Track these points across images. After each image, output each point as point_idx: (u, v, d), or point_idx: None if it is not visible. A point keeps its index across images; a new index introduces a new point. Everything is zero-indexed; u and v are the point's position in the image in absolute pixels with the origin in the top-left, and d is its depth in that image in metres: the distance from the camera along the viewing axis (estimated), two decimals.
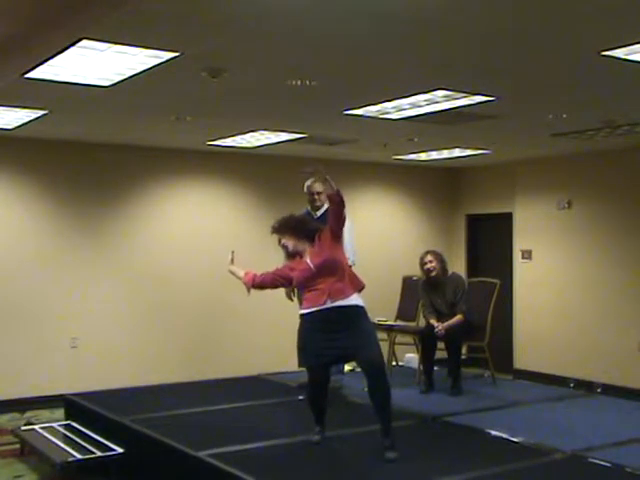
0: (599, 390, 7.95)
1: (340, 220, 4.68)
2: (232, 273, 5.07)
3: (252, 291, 4.98)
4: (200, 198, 8.66)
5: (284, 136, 7.41)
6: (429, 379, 6.79)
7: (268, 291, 5.15)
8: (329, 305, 4.60)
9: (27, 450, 5.97)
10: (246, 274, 4.96)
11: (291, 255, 4.83)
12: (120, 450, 5.34)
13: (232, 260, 5.09)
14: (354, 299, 4.66)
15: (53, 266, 7.82)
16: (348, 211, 6.06)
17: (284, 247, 4.82)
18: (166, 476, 5.00)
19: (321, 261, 4.64)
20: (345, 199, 4.61)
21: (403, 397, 6.56)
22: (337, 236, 4.73)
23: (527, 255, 9.34)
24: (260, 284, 4.94)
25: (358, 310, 4.66)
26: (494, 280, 7.34)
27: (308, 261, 4.71)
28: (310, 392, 4.96)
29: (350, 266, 6.48)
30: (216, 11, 3.68)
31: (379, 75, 4.98)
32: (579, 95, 5.62)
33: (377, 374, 4.67)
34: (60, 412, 6.84)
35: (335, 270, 4.66)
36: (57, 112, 6.20)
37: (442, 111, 5.96)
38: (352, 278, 4.78)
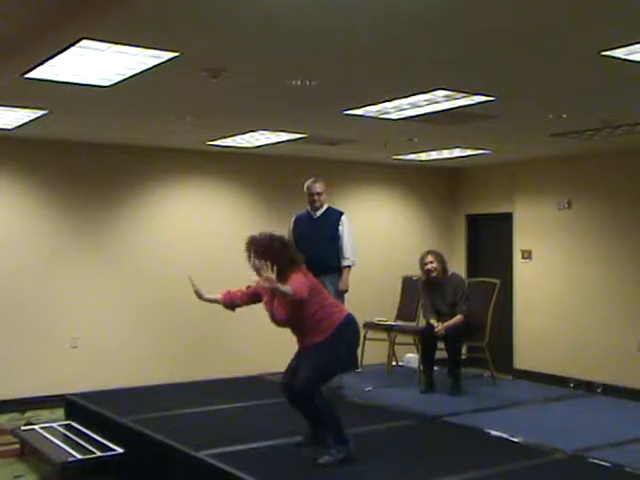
0: (599, 390, 7.95)
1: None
2: (210, 302, 5.12)
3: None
4: (200, 198, 8.66)
5: (284, 136, 7.41)
6: (429, 379, 6.80)
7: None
8: None
9: (27, 450, 5.97)
10: (223, 296, 5.05)
11: None
12: (120, 450, 5.34)
13: (197, 289, 5.05)
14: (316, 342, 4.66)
15: (53, 266, 7.82)
16: (347, 212, 6.08)
17: (253, 265, 4.66)
18: (166, 476, 5.01)
19: (280, 321, 4.70)
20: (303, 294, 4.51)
21: (403, 397, 6.58)
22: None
23: (527, 255, 9.34)
24: (231, 302, 5.06)
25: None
26: (494, 280, 7.35)
27: (272, 309, 4.73)
28: None
29: (349, 266, 6.55)
30: (216, 11, 3.68)
31: (379, 75, 4.98)
32: (579, 95, 5.62)
33: (298, 395, 4.70)
34: (60, 412, 6.84)
35: (296, 327, 4.72)
36: (57, 112, 6.20)
37: (442, 111, 5.96)
38: (319, 323, 4.66)
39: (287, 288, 4.41)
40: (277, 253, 4.61)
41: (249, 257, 4.70)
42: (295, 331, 4.76)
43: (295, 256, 4.73)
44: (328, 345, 4.62)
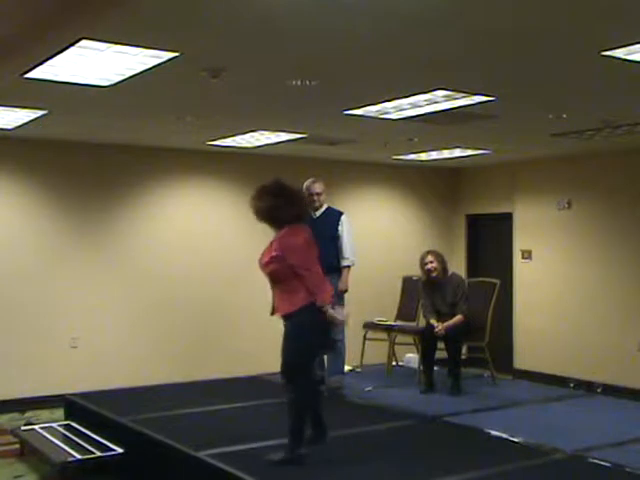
0: (599, 390, 7.95)
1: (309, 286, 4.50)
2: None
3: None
4: (200, 198, 8.66)
5: (284, 136, 7.41)
6: (429, 379, 6.80)
7: (268, 289, 5.04)
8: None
9: (27, 450, 5.97)
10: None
11: None
12: (120, 450, 5.34)
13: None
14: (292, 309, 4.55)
15: (53, 266, 7.82)
16: (347, 212, 6.02)
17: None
18: (166, 476, 5.01)
19: (266, 271, 4.65)
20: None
21: (403, 397, 6.58)
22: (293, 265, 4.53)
23: (527, 255, 9.34)
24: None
25: (289, 318, 4.61)
26: (494, 280, 7.35)
27: (262, 257, 4.70)
28: None
29: (349, 266, 6.54)
30: (216, 11, 3.68)
31: (379, 75, 4.98)
32: (579, 95, 5.62)
33: (282, 377, 4.70)
34: (60, 412, 6.84)
35: (279, 282, 4.61)
36: (57, 112, 6.20)
37: (442, 111, 5.96)
38: (301, 288, 4.51)
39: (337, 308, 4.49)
40: (272, 202, 4.81)
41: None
42: (278, 287, 4.62)
43: (296, 212, 4.74)
44: (309, 314, 4.51)
